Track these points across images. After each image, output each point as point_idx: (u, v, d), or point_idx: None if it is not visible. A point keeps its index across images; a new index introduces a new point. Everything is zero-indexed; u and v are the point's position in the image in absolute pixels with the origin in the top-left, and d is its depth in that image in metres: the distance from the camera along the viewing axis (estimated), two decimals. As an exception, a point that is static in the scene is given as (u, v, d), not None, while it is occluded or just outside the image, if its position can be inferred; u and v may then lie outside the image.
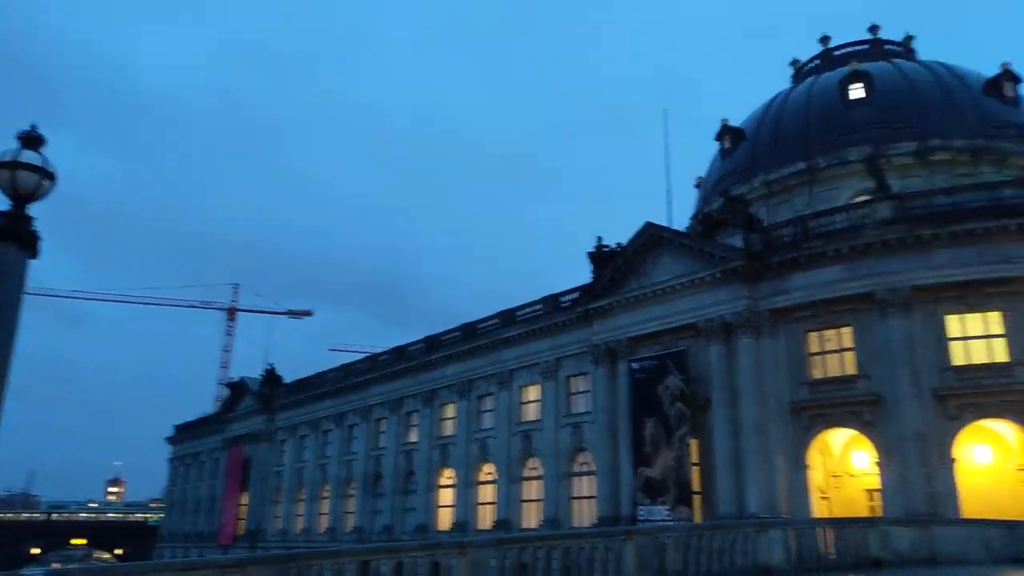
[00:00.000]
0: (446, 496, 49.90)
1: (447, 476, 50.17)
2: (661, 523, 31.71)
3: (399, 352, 56.97)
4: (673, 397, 35.58)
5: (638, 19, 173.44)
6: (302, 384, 67.78)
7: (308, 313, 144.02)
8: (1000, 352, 29.76)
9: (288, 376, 71.46)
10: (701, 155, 51.11)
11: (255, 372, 75.03)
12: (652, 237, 38.39)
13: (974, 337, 30.38)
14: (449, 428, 50.66)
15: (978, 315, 30.52)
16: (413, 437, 53.59)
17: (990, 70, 40.55)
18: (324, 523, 60.31)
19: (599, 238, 41.85)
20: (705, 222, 38.95)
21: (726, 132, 47.91)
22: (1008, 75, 40.02)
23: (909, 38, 44.27)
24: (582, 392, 42.57)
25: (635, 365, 37.85)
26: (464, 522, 46.56)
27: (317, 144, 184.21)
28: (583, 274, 43.28)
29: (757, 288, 34.58)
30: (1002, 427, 30.16)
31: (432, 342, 53.43)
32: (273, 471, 68.46)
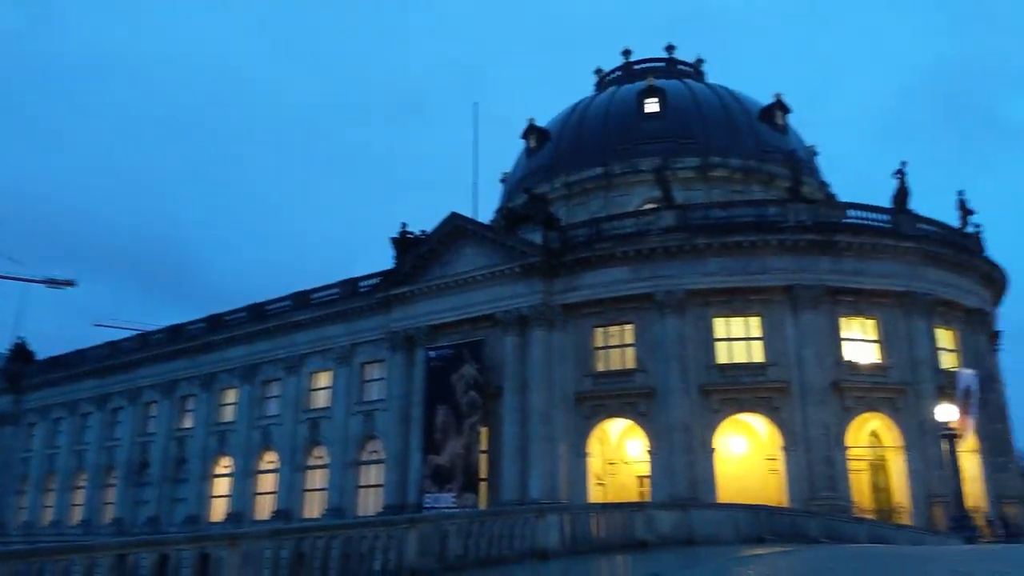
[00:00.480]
0: (222, 486, 46.96)
1: (224, 464, 47.24)
2: (446, 510, 31.89)
3: (175, 331, 52.72)
4: (467, 386, 36.00)
5: (443, 13, 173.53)
6: (59, 362, 60.68)
7: (70, 283, 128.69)
8: (757, 353, 33.17)
9: (43, 352, 63.75)
10: (507, 151, 52.19)
11: (1, 347, 66.20)
12: (457, 227, 38.59)
13: (736, 339, 33.61)
14: (229, 414, 47.72)
15: (741, 319, 33.84)
16: (187, 423, 49.88)
17: (765, 98, 45.07)
18: (78, 515, 54.55)
19: (403, 224, 41.38)
20: (508, 217, 39.82)
21: (532, 131, 49.25)
22: (780, 105, 44.71)
23: (700, 61, 48.12)
24: (376, 379, 41.84)
25: (432, 353, 37.84)
26: (240, 512, 44.08)
27: (78, 99, 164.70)
28: (383, 259, 42.53)
29: (552, 283, 35.87)
30: (755, 420, 33.63)
31: (214, 322, 50.01)
32: (19, 457, 60.85)
